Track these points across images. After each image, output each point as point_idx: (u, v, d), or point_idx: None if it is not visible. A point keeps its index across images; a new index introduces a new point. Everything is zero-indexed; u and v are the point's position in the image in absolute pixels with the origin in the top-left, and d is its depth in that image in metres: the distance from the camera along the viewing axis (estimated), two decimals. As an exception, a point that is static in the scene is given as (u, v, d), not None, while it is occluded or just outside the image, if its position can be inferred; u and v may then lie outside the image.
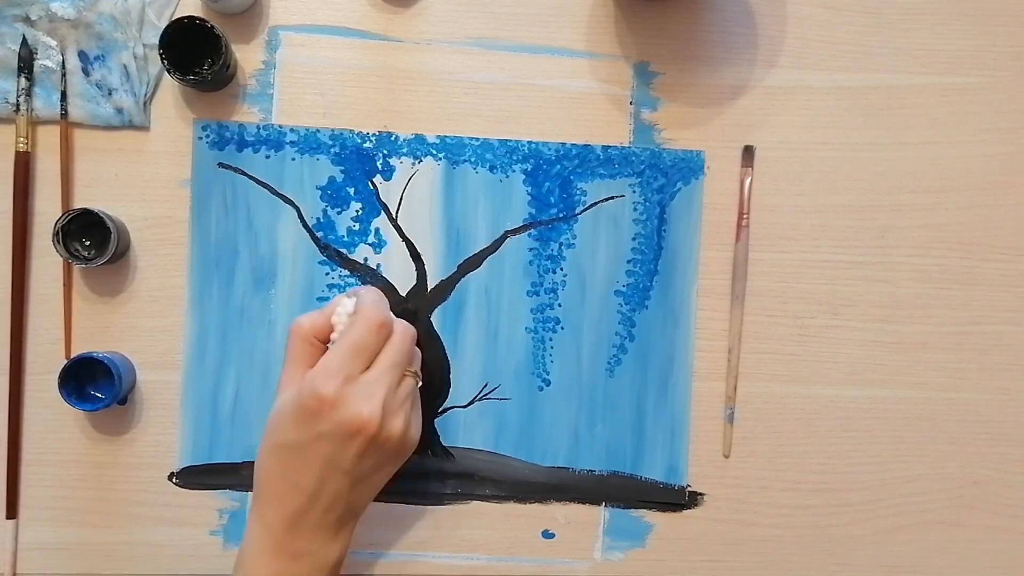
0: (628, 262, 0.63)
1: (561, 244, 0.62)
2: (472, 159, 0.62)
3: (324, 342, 0.53)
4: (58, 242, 0.58)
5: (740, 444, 0.63)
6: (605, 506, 0.63)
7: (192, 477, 0.61)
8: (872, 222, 0.63)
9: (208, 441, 0.61)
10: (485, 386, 0.62)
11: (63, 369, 0.58)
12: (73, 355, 0.60)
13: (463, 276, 0.62)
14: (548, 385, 0.62)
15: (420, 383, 0.55)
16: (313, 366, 0.51)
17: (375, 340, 0.51)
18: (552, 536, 0.63)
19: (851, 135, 0.63)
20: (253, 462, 0.60)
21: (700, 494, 0.63)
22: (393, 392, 0.51)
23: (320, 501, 0.51)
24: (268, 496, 0.52)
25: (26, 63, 0.60)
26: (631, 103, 0.63)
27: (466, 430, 0.62)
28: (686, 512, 0.63)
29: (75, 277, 0.61)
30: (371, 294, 0.53)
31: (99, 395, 0.60)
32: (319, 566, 0.52)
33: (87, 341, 0.61)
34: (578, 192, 0.62)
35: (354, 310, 0.53)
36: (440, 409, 0.62)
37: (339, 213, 0.62)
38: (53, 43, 0.60)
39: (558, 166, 0.62)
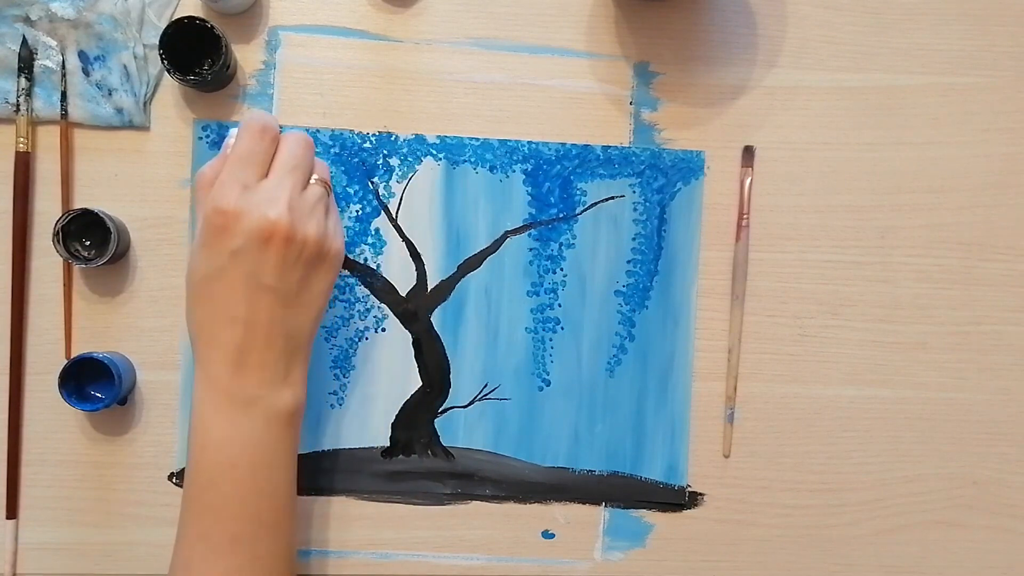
0: (628, 262, 0.63)
1: (561, 244, 0.62)
2: (472, 159, 0.62)
3: None
4: (58, 242, 0.58)
5: (740, 444, 0.63)
6: (605, 506, 0.63)
7: (192, 477, 0.61)
8: (872, 222, 0.63)
9: (208, 441, 0.61)
10: (485, 386, 0.62)
11: (63, 369, 0.58)
12: (73, 355, 0.60)
13: (463, 276, 0.62)
14: (548, 385, 0.62)
15: (331, 193, 0.54)
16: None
17: (261, 146, 0.51)
18: (552, 536, 0.63)
19: (851, 135, 0.63)
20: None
21: (700, 494, 0.63)
22: (298, 195, 0.51)
23: (256, 330, 0.50)
24: (204, 342, 0.51)
25: (26, 63, 0.60)
26: (631, 103, 0.63)
27: (466, 430, 0.62)
28: (686, 512, 0.63)
29: (75, 277, 0.61)
30: (254, 110, 0.53)
31: (99, 395, 0.60)
32: (273, 414, 0.51)
33: (87, 341, 0.61)
34: (578, 192, 0.62)
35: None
36: (440, 409, 0.62)
37: (339, 213, 0.62)
38: (53, 43, 0.60)
39: (558, 166, 0.62)
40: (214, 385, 0.50)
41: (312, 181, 0.53)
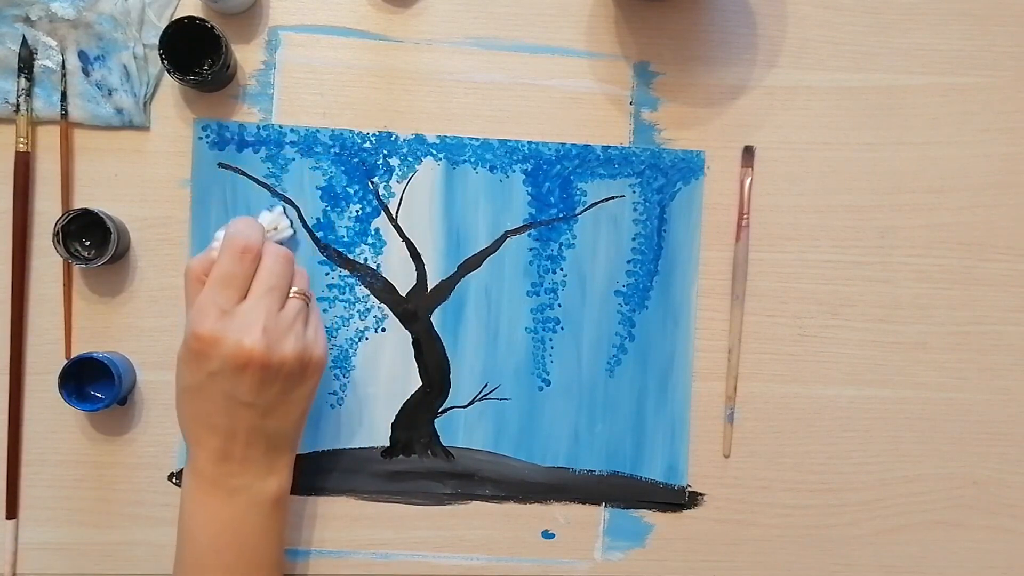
0: (628, 262, 0.63)
1: (561, 244, 0.62)
2: (472, 159, 0.62)
3: None
4: (58, 242, 0.58)
5: (740, 444, 0.63)
6: (605, 506, 0.63)
7: (192, 477, 0.61)
8: (872, 222, 0.63)
9: (208, 441, 0.61)
10: (485, 386, 0.62)
11: (63, 369, 0.58)
12: (73, 355, 0.60)
13: (463, 276, 0.62)
14: (548, 385, 0.62)
15: (311, 302, 0.54)
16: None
17: (242, 267, 0.51)
18: (552, 536, 0.63)
19: (851, 135, 0.63)
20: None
21: (700, 494, 0.63)
22: (275, 317, 0.51)
23: (237, 437, 0.52)
24: (191, 441, 0.53)
25: (26, 63, 0.60)
26: (631, 103, 0.63)
27: (466, 430, 0.62)
28: (686, 512, 0.63)
29: (75, 277, 0.61)
30: (239, 222, 0.53)
31: (99, 395, 0.60)
32: (257, 500, 0.53)
33: (87, 341, 0.61)
34: (578, 192, 0.62)
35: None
36: (440, 409, 0.62)
37: (339, 213, 0.62)
38: (53, 43, 0.60)
39: (558, 166, 0.62)
40: (200, 475, 0.52)
41: (291, 295, 0.53)
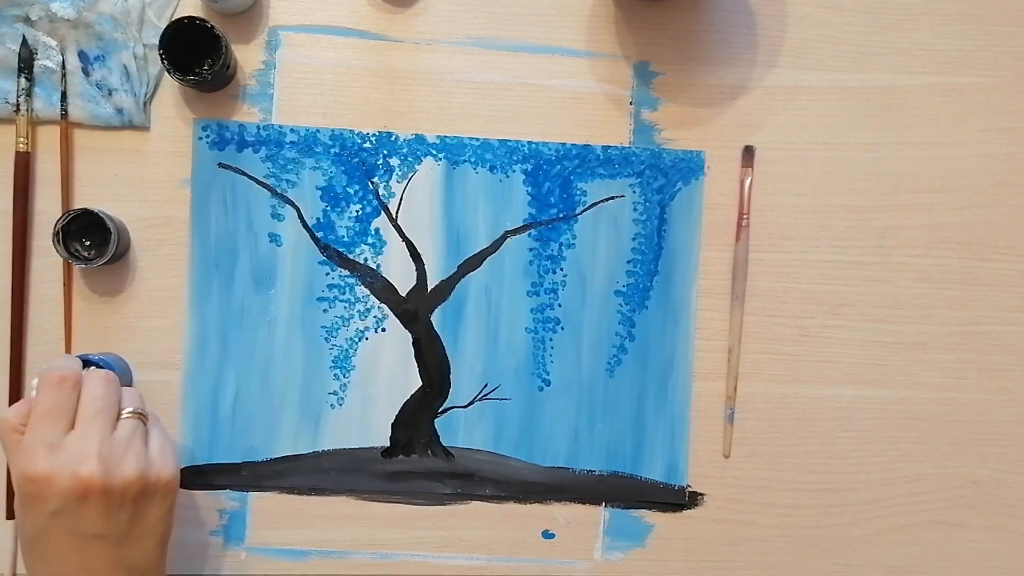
0: (628, 262, 0.63)
1: (561, 244, 0.62)
2: (472, 159, 0.62)
3: None
4: (58, 242, 0.58)
5: (740, 444, 0.63)
6: (605, 506, 0.63)
7: (192, 477, 0.61)
8: (872, 222, 0.63)
9: (208, 441, 0.61)
10: (485, 386, 0.62)
11: (63, 369, 0.58)
12: (73, 355, 0.60)
13: (463, 276, 0.62)
14: (548, 385, 0.62)
15: (149, 420, 0.53)
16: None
17: (63, 396, 0.49)
18: (552, 536, 0.63)
19: (851, 135, 0.63)
20: (253, 462, 0.60)
21: (700, 494, 0.63)
22: (109, 440, 0.49)
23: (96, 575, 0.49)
24: None
25: (26, 63, 0.60)
26: (631, 103, 0.63)
27: (466, 430, 0.62)
28: (686, 512, 0.63)
29: (75, 277, 0.61)
30: (57, 359, 0.51)
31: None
32: None
33: (87, 341, 0.61)
34: (578, 192, 0.62)
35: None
36: (440, 409, 0.62)
37: (339, 213, 0.62)
38: (53, 43, 0.60)
39: (558, 166, 0.62)
40: None
41: (124, 416, 0.51)
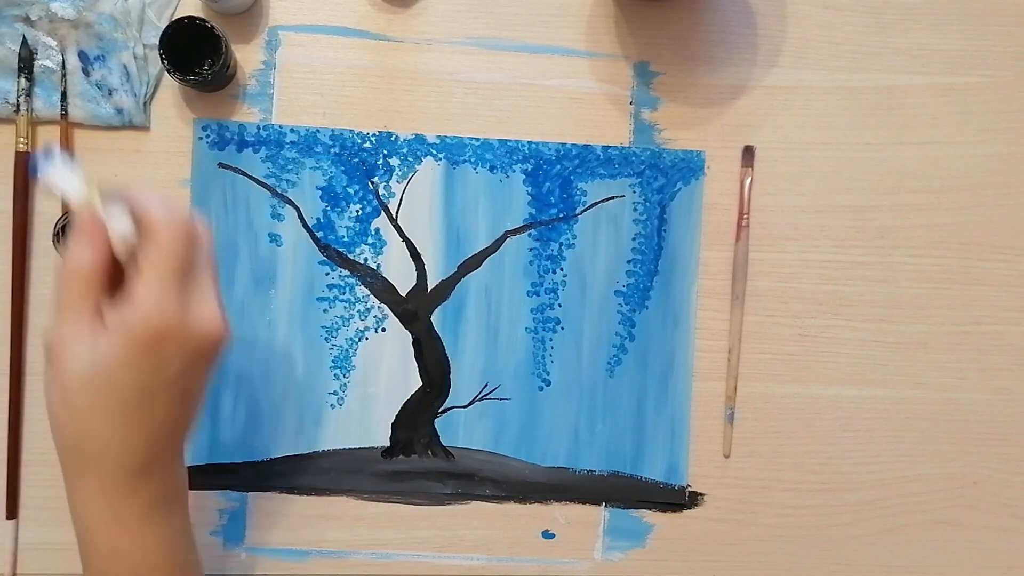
0: (628, 262, 0.63)
1: (561, 244, 0.62)
2: (472, 159, 0.62)
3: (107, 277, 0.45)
4: (58, 242, 0.58)
5: (740, 444, 0.63)
6: (605, 506, 0.63)
7: (192, 477, 0.61)
8: (872, 222, 0.63)
9: (208, 441, 0.61)
10: (485, 386, 0.62)
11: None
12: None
13: (463, 276, 0.62)
14: (548, 385, 0.62)
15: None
16: (97, 310, 0.44)
17: (192, 249, 0.45)
18: (552, 536, 0.63)
19: (851, 135, 0.63)
20: (253, 462, 0.60)
21: (700, 494, 0.63)
22: (217, 289, 0.47)
23: (173, 434, 0.47)
24: (95, 457, 0.45)
25: (26, 63, 0.60)
26: (631, 103, 0.63)
27: (466, 430, 0.62)
28: (686, 512, 0.63)
29: (75, 277, 0.61)
30: (150, 200, 0.45)
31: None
32: (167, 499, 0.48)
33: (87, 341, 0.61)
34: (578, 192, 0.62)
35: (139, 224, 0.45)
36: (440, 409, 0.62)
37: (339, 213, 0.62)
38: (53, 43, 0.60)
39: (558, 166, 0.62)
40: (107, 498, 0.46)
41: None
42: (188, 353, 0.44)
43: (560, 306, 0.62)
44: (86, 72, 0.60)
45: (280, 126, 0.61)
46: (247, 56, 0.62)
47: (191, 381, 0.46)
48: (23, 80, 0.60)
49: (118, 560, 0.47)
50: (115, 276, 0.45)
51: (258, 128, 0.61)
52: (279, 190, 0.61)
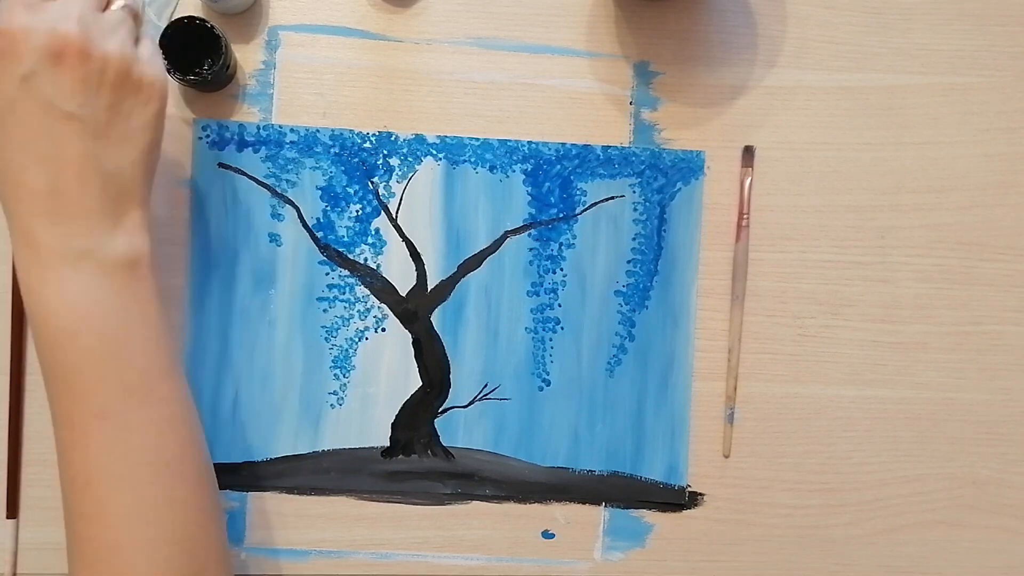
0: (628, 262, 0.63)
1: (561, 244, 0.62)
2: (472, 159, 0.62)
3: None
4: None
5: (740, 444, 0.63)
6: (605, 506, 0.63)
7: (192, 477, 0.61)
8: (872, 222, 0.63)
9: (208, 441, 0.61)
10: (485, 386, 0.62)
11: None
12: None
13: (463, 276, 0.62)
14: (548, 385, 0.62)
15: (140, 22, 0.49)
16: None
17: None
18: (552, 536, 0.63)
19: (851, 135, 0.63)
20: (252, 462, 0.60)
21: (700, 494, 0.63)
22: (93, 12, 0.46)
23: (66, 168, 0.45)
24: (10, 191, 0.45)
25: (26, 63, 0.59)
26: (631, 103, 0.63)
27: (466, 430, 0.62)
28: (686, 512, 0.63)
29: (75, 277, 0.61)
30: None
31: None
32: (109, 266, 0.46)
33: (87, 341, 0.61)
34: (578, 192, 0.62)
35: None
36: (440, 409, 0.62)
37: (339, 213, 0.62)
38: (53, 43, 0.60)
39: (558, 166, 0.62)
40: (32, 242, 0.45)
41: (115, 7, 0.47)
42: (37, 53, 0.44)
43: (560, 306, 0.62)
44: (86, 72, 0.60)
45: (280, 126, 0.61)
46: (247, 56, 0.62)
47: (55, 91, 0.44)
48: (23, 80, 0.59)
49: (46, 318, 0.45)
50: None
51: (258, 128, 0.61)
52: (279, 190, 0.61)
